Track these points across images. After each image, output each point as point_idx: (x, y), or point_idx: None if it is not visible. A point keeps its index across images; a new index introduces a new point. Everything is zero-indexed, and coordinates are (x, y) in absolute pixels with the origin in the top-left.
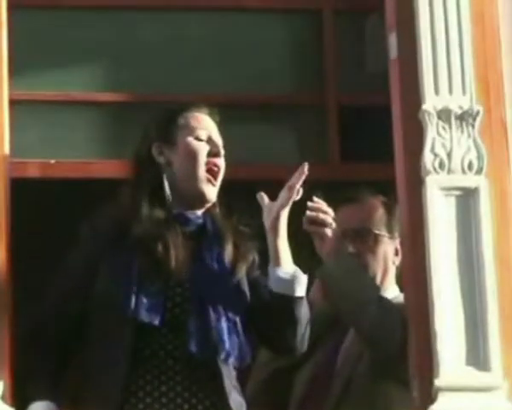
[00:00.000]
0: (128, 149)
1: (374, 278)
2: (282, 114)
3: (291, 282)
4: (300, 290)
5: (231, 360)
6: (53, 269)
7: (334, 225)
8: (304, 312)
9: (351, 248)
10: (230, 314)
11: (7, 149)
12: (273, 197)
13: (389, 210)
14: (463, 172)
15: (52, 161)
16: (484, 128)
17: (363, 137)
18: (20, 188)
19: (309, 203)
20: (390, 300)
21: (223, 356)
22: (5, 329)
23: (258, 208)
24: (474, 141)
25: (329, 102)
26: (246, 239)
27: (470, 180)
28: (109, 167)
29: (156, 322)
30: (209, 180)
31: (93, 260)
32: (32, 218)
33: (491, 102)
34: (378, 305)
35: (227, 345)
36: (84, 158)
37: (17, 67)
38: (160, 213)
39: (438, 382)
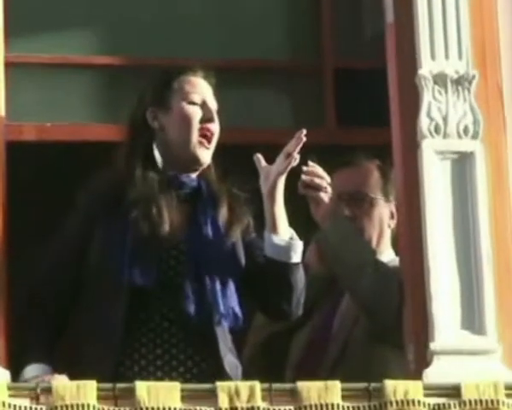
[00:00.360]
0: (124, 113)
1: (369, 242)
2: (279, 78)
3: (286, 248)
4: (296, 257)
5: (225, 323)
6: (49, 232)
7: (329, 189)
8: (299, 278)
9: (347, 212)
10: (225, 277)
11: (2, 112)
12: (269, 162)
13: (384, 174)
14: (459, 136)
15: (48, 124)
16: (480, 93)
17: (359, 101)
18: (16, 151)
19: (304, 168)
20: (386, 264)
21: (217, 318)
22: (1, 292)
23: (254, 172)
24: (470, 105)
25: (326, 66)
26: (241, 202)
27: (466, 145)
28: (105, 131)
29: (150, 284)
30: (202, 143)
31: (89, 226)
32: (27, 181)
33: (488, 67)
34: (374, 269)
35: (221, 307)
36: (79, 121)
37: (13, 30)
38: (153, 177)
39: (433, 346)
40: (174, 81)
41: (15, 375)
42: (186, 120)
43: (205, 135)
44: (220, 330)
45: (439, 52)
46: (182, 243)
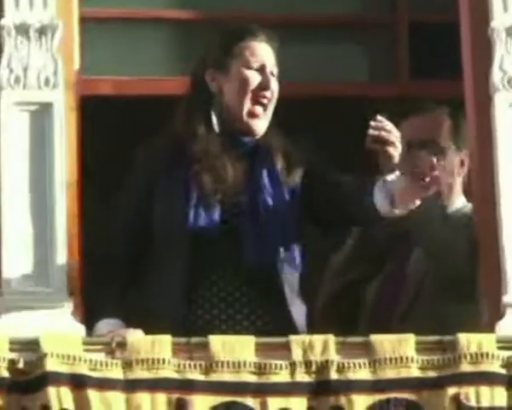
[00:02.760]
0: None
1: (439, 193)
2: (352, 32)
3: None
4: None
5: (288, 266)
6: (123, 187)
7: (397, 143)
8: None
9: (417, 160)
10: (284, 224)
11: (77, 67)
12: (342, 114)
13: (456, 121)
14: None
15: (124, 78)
16: None
17: (432, 54)
18: (92, 105)
19: (372, 122)
20: (457, 218)
21: (278, 265)
22: (75, 247)
23: (324, 123)
24: None
25: (399, 20)
26: (297, 151)
27: None
28: (181, 85)
29: (214, 234)
30: (256, 115)
31: (152, 181)
32: (102, 135)
33: None
34: (443, 223)
35: (282, 250)
36: (154, 75)
37: None
38: (215, 134)
39: (506, 298)
40: (235, 45)
41: (90, 330)
42: (242, 86)
43: (261, 102)
44: (286, 275)
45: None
46: (243, 193)
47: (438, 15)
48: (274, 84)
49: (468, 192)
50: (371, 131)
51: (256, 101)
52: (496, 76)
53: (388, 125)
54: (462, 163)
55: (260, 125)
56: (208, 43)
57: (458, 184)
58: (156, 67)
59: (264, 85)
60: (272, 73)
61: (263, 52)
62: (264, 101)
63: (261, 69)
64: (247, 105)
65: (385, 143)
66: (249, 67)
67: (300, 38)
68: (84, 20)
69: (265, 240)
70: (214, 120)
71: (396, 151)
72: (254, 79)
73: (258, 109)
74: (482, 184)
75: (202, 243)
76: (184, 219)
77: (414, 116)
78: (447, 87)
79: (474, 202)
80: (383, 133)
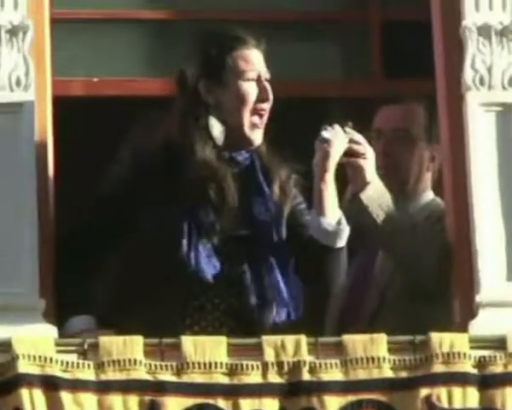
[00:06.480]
0: (171, 68)
1: (405, 183)
2: (326, 30)
3: (334, 234)
4: (341, 242)
5: (287, 315)
6: (95, 186)
7: (368, 155)
8: (342, 261)
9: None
10: (283, 264)
11: (49, 68)
12: (316, 113)
13: (430, 116)
14: (503, 87)
15: (95, 79)
16: None
17: (406, 52)
18: (64, 106)
19: None
20: (426, 226)
21: (280, 312)
22: (49, 245)
23: (297, 124)
24: None
25: (372, 18)
26: (290, 177)
27: (510, 96)
28: (152, 85)
29: (210, 279)
30: (255, 125)
31: (133, 181)
32: (75, 136)
33: None
34: (413, 236)
35: (285, 300)
36: (126, 76)
37: None
38: (212, 155)
39: (479, 298)
40: (227, 56)
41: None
42: (242, 100)
43: (259, 114)
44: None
45: (483, 3)
46: (240, 227)
47: (410, 13)
48: (270, 93)
49: (436, 188)
50: None
51: (255, 112)
52: (467, 75)
53: (358, 136)
54: (432, 158)
55: (259, 134)
56: (194, 50)
57: (427, 178)
58: (129, 68)
59: (262, 97)
60: (266, 80)
61: (256, 60)
62: (263, 112)
63: (257, 79)
64: (247, 118)
65: (355, 155)
66: (246, 79)
67: (273, 36)
68: (55, 21)
69: (266, 288)
70: (214, 133)
71: (367, 164)
72: (253, 91)
73: (257, 120)
74: (454, 183)
75: (198, 282)
76: (187, 260)
77: (389, 105)
78: (420, 85)
79: (446, 201)
80: (354, 146)
